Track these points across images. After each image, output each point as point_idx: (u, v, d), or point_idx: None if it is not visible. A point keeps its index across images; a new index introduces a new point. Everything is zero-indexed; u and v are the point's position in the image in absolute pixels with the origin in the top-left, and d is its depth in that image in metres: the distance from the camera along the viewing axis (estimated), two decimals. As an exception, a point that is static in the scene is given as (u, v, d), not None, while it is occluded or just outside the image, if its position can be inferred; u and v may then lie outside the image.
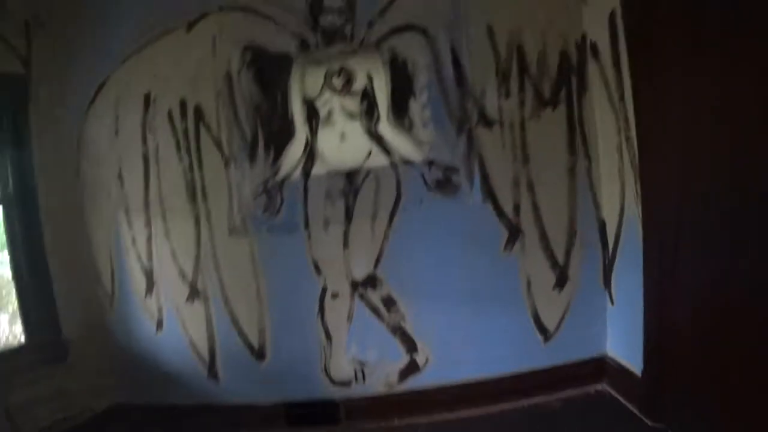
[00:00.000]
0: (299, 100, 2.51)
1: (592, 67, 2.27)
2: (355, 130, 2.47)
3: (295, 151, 2.53)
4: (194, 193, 2.64)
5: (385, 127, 2.43)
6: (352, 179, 2.48)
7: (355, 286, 2.52)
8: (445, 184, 2.40)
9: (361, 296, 2.51)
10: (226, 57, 2.57)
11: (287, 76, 2.51)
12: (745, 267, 1.51)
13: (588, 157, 2.34)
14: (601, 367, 2.39)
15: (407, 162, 2.43)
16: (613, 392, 2.29)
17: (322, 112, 2.49)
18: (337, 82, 2.46)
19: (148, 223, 2.69)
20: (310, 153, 2.51)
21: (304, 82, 2.50)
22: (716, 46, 1.52)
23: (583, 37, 2.29)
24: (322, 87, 2.47)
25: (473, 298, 2.44)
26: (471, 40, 2.34)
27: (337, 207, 2.50)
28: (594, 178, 2.35)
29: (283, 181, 2.54)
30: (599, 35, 2.16)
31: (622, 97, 2.05)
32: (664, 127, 1.82)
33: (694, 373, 1.85)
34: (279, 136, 2.54)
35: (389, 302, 2.49)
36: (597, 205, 2.37)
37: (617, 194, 2.18)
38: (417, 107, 2.40)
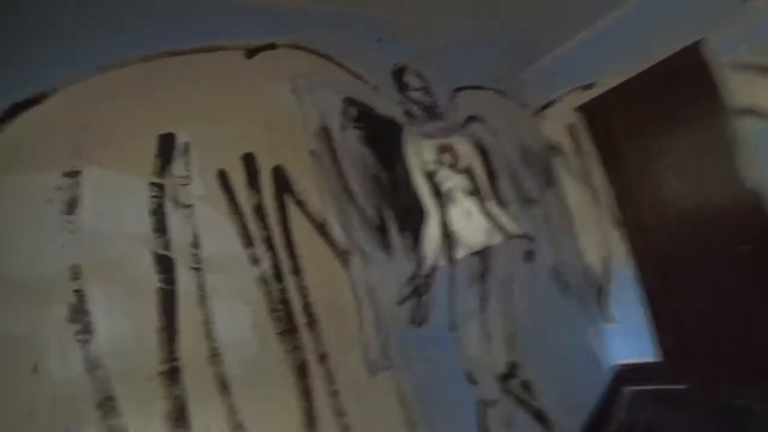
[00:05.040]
0: (420, 174, 1.99)
1: (557, 160, 3.26)
2: (475, 208, 2.19)
3: (433, 233, 1.89)
4: (289, 321, 1.37)
5: (492, 204, 2.31)
6: (484, 261, 2.10)
7: (501, 381, 1.98)
8: (530, 254, 2.50)
9: (507, 391, 1.98)
10: (317, 104, 1.74)
11: (400, 144, 1.97)
12: (713, 280, 2.66)
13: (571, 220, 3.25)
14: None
15: (513, 237, 2.35)
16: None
17: (444, 188, 2.07)
18: (447, 158, 2.17)
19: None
20: (448, 234, 1.96)
21: (421, 155, 2.04)
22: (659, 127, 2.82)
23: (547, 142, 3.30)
24: (435, 162, 2.10)
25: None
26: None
27: (474, 294, 1.99)
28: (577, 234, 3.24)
29: (430, 273, 1.79)
30: (560, 138, 3.24)
31: (589, 175, 3.10)
32: (632, 189, 2.94)
33: (695, 349, 2.79)
34: (411, 215, 1.85)
35: (527, 386, 2.09)
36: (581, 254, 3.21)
37: (600, 243, 3.13)
38: (503, 186, 2.48)
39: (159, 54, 1.41)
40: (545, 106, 3.26)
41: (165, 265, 1.19)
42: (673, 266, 2.86)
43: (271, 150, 1.54)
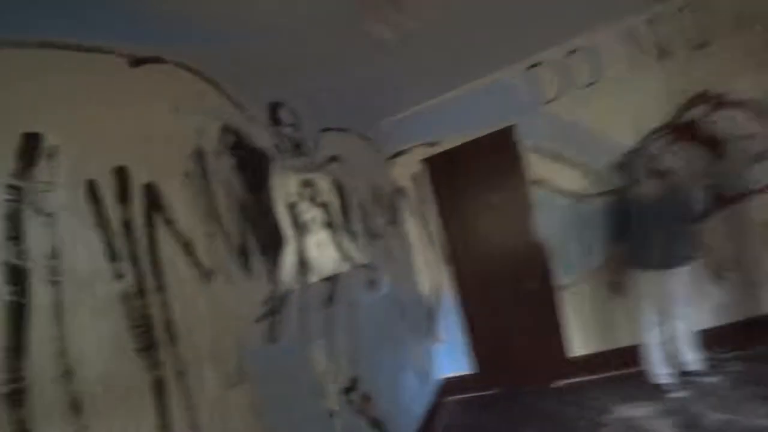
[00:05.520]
0: (283, 204, 2.17)
1: (402, 202, 3.79)
2: (328, 239, 2.45)
3: (289, 259, 2.08)
4: (149, 338, 1.42)
5: (344, 236, 2.60)
6: (333, 286, 2.36)
7: (344, 394, 2.28)
8: (373, 282, 2.87)
9: (349, 402, 2.29)
10: (196, 127, 1.79)
11: (268, 175, 2.13)
12: (511, 306, 3.53)
13: (409, 256, 3.76)
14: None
15: (359, 266, 2.69)
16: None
17: (302, 219, 2.28)
18: (308, 192, 2.39)
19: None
20: (303, 261, 2.16)
21: (285, 187, 2.21)
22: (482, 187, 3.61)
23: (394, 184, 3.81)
24: (297, 195, 2.30)
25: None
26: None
27: (323, 316, 2.25)
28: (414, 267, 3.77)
29: (285, 295, 1.97)
30: (406, 183, 3.80)
31: (427, 218, 3.71)
32: (458, 232, 3.65)
33: (500, 361, 3.60)
34: (272, 241, 2.00)
35: (366, 397, 2.44)
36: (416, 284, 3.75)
37: (432, 276, 3.73)
38: (354, 221, 2.80)
39: (35, 42, 1.32)
40: (397, 154, 3.81)
41: (17, 276, 1.13)
42: (484, 296, 3.66)
43: (145, 166, 1.55)
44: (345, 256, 2.62)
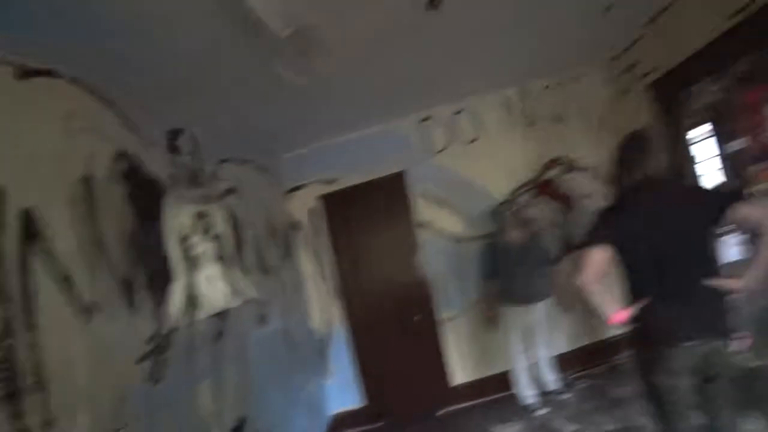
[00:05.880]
0: (174, 236, 2.08)
1: (297, 236, 3.81)
2: (219, 273, 2.38)
3: (177, 294, 1.98)
4: (12, 384, 1.27)
5: (236, 271, 2.54)
6: (222, 322, 2.29)
7: None
8: (263, 318, 2.83)
9: None
10: (87, 150, 1.68)
11: (160, 206, 2.03)
12: (399, 339, 3.76)
13: (302, 290, 3.75)
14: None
15: (250, 301, 2.63)
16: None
17: (194, 253, 2.19)
18: (202, 224, 2.32)
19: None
20: (191, 296, 2.07)
21: (178, 218, 2.13)
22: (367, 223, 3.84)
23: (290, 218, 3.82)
24: (190, 227, 2.22)
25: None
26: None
27: (211, 353, 2.16)
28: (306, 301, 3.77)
29: (171, 333, 1.87)
30: (302, 218, 3.86)
31: (320, 253, 3.80)
32: (350, 268, 3.79)
33: (388, 394, 3.75)
34: (159, 276, 1.90)
35: None
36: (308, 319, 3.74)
37: (323, 309, 3.80)
38: (248, 255, 2.75)
39: None
40: (295, 189, 3.87)
41: None
42: (373, 330, 3.80)
43: (25, 189, 1.41)
44: (236, 291, 2.57)
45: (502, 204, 3.52)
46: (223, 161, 2.83)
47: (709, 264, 1.68)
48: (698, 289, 1.65)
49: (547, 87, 3.83)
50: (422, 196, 3.84)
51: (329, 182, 3.87)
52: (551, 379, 3.35)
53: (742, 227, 1.69)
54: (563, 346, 3.69)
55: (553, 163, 3.83)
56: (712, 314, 1.66)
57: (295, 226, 3.86)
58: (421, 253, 3.82)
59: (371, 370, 3.84)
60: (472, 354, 3.81)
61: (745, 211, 1.61)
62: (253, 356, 2.61)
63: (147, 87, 2.09)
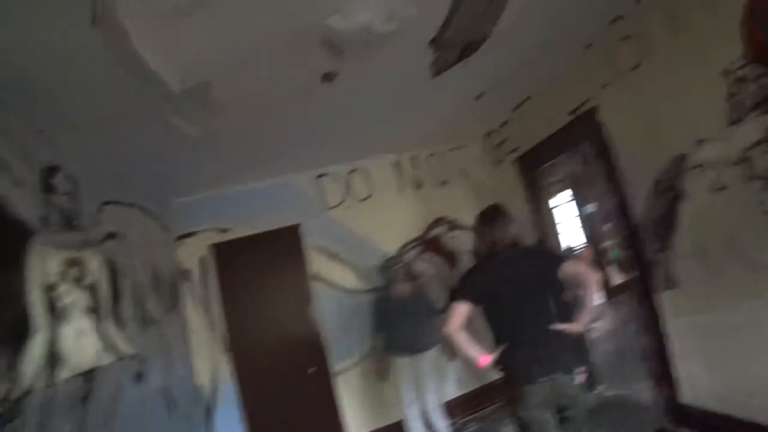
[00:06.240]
0: (38, 285, 1.85)
1: (185, 285, 3.56)
2: (90, 327, 2.14)
3: (36, 351, 1.74)
4: None
5: (110, 324, 2.30)
6: (89, 382, 2.03)
7: None
8: (140, 375, 2.55)
9: None
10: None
11: (24, 251, 1.82)
12: (295, 393, 3.62)
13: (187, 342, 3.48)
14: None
15: (125, 358, 2.37)
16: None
17: (61, 304, 1.96)
18: (74, 272, 2.10)
19: None
20: (54, 354, 1.82)
21: (45, 265, 1.91)
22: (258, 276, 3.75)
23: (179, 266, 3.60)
24: (59, 275, 2.00)
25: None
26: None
27: (73, 419, 1.89)
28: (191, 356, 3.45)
29: (23, 396, 1.62)
30: (192, 266, 3.64)
31: (210, 304, 3.57)
32: (240, 321, 3.62)
33: None
34: (15, 330, 1.66)
35: None
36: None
37: (210, 363, 3.53)
38: (125, 306, 2.51)
39: None
40: (186, 235, 3.70)
41: None
42: (265, 384, 3.64)
43: None
44: (109, 346, 2.32)
45: (390, 259, 3.75)
46: (107, 203, 2.64)
47: (553, 312, 2.06)
48: (545, 334, 2.02)
49: (432, 154, 4.32)
50: (316, 249, 3.94)
51: (222, 231, 3.78)
52: (443, 425, 3.49)
53: (571, 281, 2.12)
54: (452, 392, 3.92)
55: (438, 222, 4.24)
56: (558, 354, 2.03)
57: (184, 274, 3.64)
58: (314, 305, 3.84)
59: (263, 428, 3.62)
60: (366, 405, 3.83)
61: (571, 268, 2.09)
62: (125, 420, 2.33)
63: (20, 116, 1.93)
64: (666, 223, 2.70)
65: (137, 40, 1.69)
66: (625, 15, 2.64)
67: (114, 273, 2.55)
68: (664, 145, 2.59)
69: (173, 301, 3.40)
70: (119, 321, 2.50)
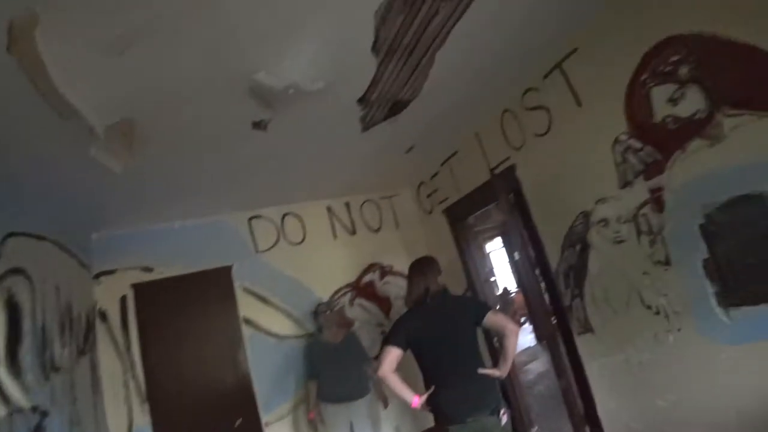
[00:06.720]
0: None
1: (101, 327, 3.33)
2: None
3: None
4: None
5: (3, 373, 2.09)
6: None
7: None
8: (39, 429, 2.31)
9: None
10: None
11: None
12: None
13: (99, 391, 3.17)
14: None
15: (19, 411, 2.14)
16: None
17: None
18: None
19: None
20: None
21: None
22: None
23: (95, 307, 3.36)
24: None
25: None
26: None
27: None
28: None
29: None
30: (110, 307, 3.41)
31: (128, 348, 3.36)
32: (161, 366, 3.42)
33: None
34: None
35: None
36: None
37: (125, 414, 3.26)
38: (24, 351, 2.29)
39: None
40: (105, 273, 3.50)
41: None
42: None
43: None
44: (2, 399, 2.12)
45: (323, 304, 3.75)
46: (11, 235, 2.47)
47: (478, 357, 2.28)
48: (472, 377, 2.21)
49: (366, 201, 4.47)
50: (247, 292, 3.85)
51: (146, 270, 3.62)
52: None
53: (493, 330, 2.30)
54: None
55: (371, 267, 4.33)
56: (483, 396, 2.22)
57: (100, 315, 3.42)
58: (244, 351, 3.71)
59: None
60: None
61: (492, 318, 2.28)
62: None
63: None
64: (577, 272, 2.97)
65: (58, 74, 1.69)
66: (534, 87, 2.99)
67: (14, 314, 2.36)
68: (571, 202, 2.90)
69: (88, 345, 3.17)
70: (16, 368, 2.30)
